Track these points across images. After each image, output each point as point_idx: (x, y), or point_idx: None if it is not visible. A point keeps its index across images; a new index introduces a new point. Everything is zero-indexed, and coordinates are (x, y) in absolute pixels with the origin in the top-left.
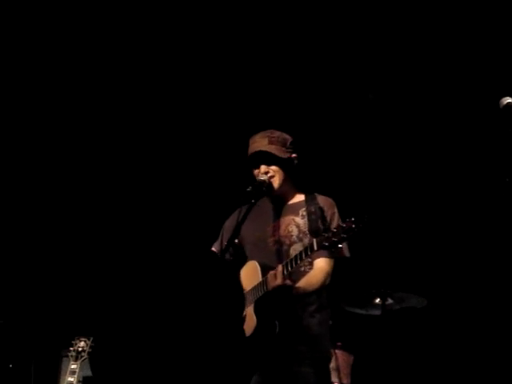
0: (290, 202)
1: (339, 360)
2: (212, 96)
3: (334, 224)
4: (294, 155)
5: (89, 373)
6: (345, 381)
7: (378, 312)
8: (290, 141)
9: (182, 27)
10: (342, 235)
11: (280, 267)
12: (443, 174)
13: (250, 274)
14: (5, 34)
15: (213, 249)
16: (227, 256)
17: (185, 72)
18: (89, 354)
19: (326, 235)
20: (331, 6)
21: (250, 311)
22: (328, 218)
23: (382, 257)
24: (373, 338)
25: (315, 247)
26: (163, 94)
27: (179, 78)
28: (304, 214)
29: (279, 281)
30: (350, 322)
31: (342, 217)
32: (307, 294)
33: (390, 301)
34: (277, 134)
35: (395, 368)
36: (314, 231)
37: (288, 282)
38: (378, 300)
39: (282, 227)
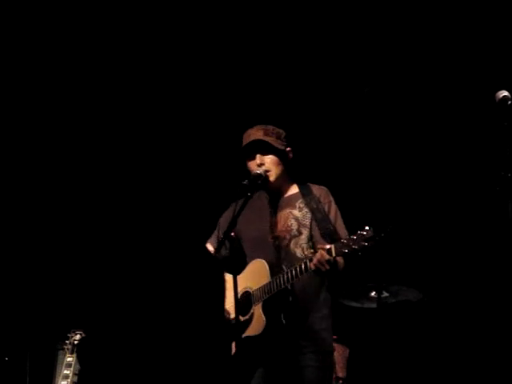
0: (286, 194)
1: (335, 353)
2: (206, 91)
3: (332, 214)
4: (288, 148)
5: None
6: (340, 374)
7: (373, 305)
8: (284, 134)
9: (178, 24)
10: (363, 243)
11: (333, 246)
12: (439, 167)
13: (256, 273)
14: (5, 34)
15: (208, 244)
16: (223, 251)
17: (179, 68)
18: (77, 345)
19: (345, 242)
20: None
21: (257, 311)
22: (326, 208)
23: (377, 250)
24: (368, 332)
25: (333, 253)
26: (159, 90)
27: (174, 73)
28: (301, 205)
29: (329, 257)
30: (346, 315)
31: (345, 216)
32: (313, 290)
33: (385, 294)
34: (271, 127)
35: (391, 361)
36: (327, 235)
37: (337, 258)
38: (373, 293)
39: (281, 222)
